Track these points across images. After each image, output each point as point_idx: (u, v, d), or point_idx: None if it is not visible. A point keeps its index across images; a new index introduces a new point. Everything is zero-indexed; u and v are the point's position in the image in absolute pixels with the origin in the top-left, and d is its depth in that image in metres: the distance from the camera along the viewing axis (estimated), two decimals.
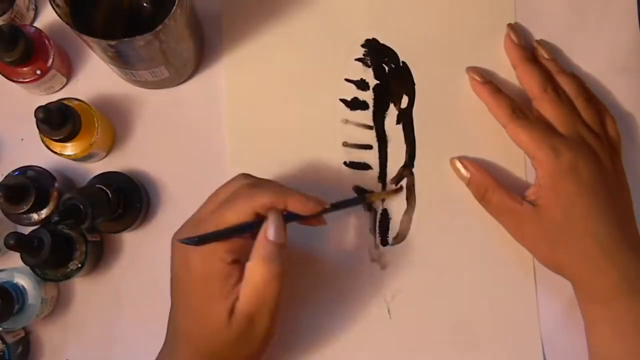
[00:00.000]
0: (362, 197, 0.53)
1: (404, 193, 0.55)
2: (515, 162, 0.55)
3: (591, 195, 0.48)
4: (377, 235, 0.54)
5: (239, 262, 0.43)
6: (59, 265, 0.50)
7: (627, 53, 0.57)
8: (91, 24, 0.48)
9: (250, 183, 0.45)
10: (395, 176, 0.55)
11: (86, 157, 0.52)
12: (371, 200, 0.54)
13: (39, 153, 0.51)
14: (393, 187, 0.54)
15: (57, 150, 0.51)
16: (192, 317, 0.44)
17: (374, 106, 0.56)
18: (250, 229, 0.43)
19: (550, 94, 0.52)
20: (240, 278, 0.43)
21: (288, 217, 0.44)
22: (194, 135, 0.55)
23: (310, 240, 0.54)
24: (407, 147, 0.55)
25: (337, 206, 0.48)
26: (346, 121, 0.55)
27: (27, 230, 0.50)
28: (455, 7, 0.57)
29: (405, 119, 0.56)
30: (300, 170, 0.55)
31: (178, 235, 0.45)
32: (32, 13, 0.55)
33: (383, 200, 0.55)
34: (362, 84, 0.56)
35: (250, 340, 0.44)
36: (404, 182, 0.55)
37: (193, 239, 0.42)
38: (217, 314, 0.42)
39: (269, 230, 0.42)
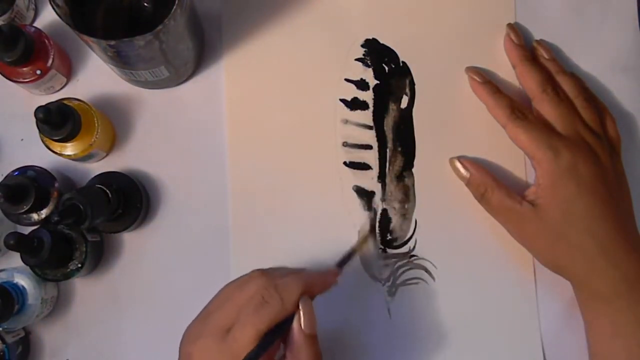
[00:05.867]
0: (351, 252, 0.49)
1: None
2: (515, 162, 0.55)
3: (590, 195, 0.48)
4: (377, 235, 0.54)
5: None
6: (59, 265, 0.50)
7: (627, 53, 0.57)
8: (91, 24, 0.48)
9: (274, 281, 0.41)
10: (395, 176, 0.55)
11: (86, 157, 0.52)
12: (359, 249, 0.51)
13: (39, 153, 0.51)
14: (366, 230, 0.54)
15: (57, 150, 0.51)
16: None
17: (374, 106, 0.56)
18: (281, 333, 0.41)
19: (549, 94, 0.52)
20: None
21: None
22: (194, 135, 0.55)
23: (309, 242, 0.54)
24: (407, 147, 0.55)
25: (340, 264, 0.47)
26: (346, 121, 0.55)
27: (27, 230, 0.50)
28: (455, 7, 0.57)
29: (405, 119, 0.56)
30: (300, 171, 0.55)
31: (190, 335, 0.41)
32: (32, 13, 0.55)
33: (383, 201, 0.55)
34: (362, 84, 0.56)
35: None
36: (408, 182, 0.55)
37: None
38: None
39: (304, 323, 0.40)
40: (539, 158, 0.49)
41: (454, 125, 0.55)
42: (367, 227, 0.54)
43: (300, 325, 0.40)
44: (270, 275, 0.42)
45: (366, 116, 0.55)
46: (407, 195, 0.55)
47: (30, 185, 0.49)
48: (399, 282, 0.54)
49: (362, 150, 0.55)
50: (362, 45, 0.56)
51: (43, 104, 0.46)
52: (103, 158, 0.55)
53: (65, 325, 0.54)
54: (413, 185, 0.55)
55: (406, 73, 0.56)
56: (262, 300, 0.40)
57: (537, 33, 0.56)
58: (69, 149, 0.50)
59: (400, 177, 0.55)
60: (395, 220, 0.55)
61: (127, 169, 0.54)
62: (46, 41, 0.52)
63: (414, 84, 0.56)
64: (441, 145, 0.55)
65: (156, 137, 0.55)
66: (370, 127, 0.55)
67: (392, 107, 0.56)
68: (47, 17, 0.56)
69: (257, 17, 0.56)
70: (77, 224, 0.46)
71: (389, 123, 0.55)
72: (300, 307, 0.41)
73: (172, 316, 0.53)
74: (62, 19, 0.44)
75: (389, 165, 0.55)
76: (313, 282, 0.42)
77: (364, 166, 0.55)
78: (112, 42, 0.43)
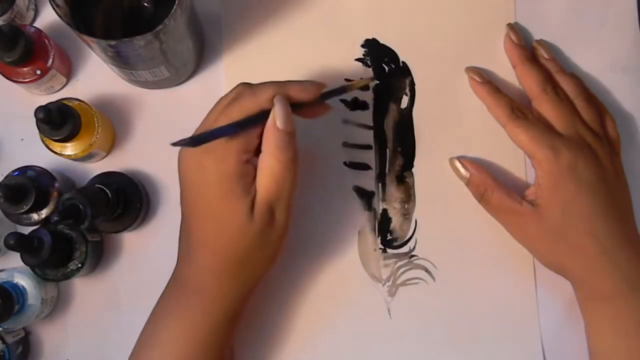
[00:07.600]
0: (346, 86, 0.51)
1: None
2: (515, 162, 0.55)
3: (591, 195, 0.48)
4: (377, 235, 0.54)
5: (253, 162, 0.44)
6: (59, 265, 0.50)
7: (627, 53, 0.57)
8: (91, 24, 0.48)
9: (251, 84, 0.46)
10: (395, 176, 0.55)
11: (86, 157, 0.52)
12: (352, 88, 0.52)
13: (39, 153, 0.51)
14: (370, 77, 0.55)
15: (57, 150, 0.51)
16: (212, 219, 0.44)
17: (374, 106, 0.56)
18: (254, 123, 0.44)
19: (549, 94, 0.52)
20: (256, 177, 0.44)
21: (292, 107, 0.44)
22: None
23: (309, 242, 0.54)
24: (407, 147, 0.55)
25: (328, 94, 0.48)
26: (346, 121, 0.55)
27: (27, 230, 0.50)
28: (455, 7, 0.57)
29: (405, 119, 0.56)
30: (299, 171, 0.55)
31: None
32: (32, 13, 0.56)
33: (383, 201, 0.55)
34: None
35: (270, 236, 0.44)
36: (408, 182, 0.55)
37: (187, 140, 0.42)
38: (239, 212, 0.43)
39: (278, 119, 0.43)
40: (539, 158, 0.49)
41: (454, 125, 0.55)
42: (371, 75, 0.55)
43: (274, 121, 0.43)
44: (249, 83, 0.46)
45: (366, 116, 0.55)
46: (407, 195, 0.55)
47: (30, 185, 0.49)
48: (399, 282, 0.54)
49: (362, 150, 0.55)
50: (362, 45, 0.56)
51: (43, 104, 0.46)
52: (103, 158, 0.55)
53: (65, 325, 0.54)
54: (413, 185, 0.55)
55: (406, 73, 0.56)
56: (237, 95, 0.44)
57: (537, 33, 0.56)
58: (69, 149, 0.50)
59: (400, 177, 0.55)
60: (395, 220, 0.55)
61: (127, 169, 0.54)
62: (46, 41, 0.52)
63: (414, 84, 0.56)
64: (441, 145, 0.55)
65: (156, 137, 0.55)
66: (370, 127, 0.55)
67: (392, 107, 0.56)
68: (47, 17, 0.56)
69: (257, 17, 0.56)
70: (77, 224, 0.46)
71: (389, 123, 0.55)
72: (275, 103, 0.43)
73: None
74: (62, 19, 0.44)
75: (389, 165, 0.55)
76: (290, 86, 0.45)
77: (364, 166, 0.55)
78: (112, 42, 0.43)
